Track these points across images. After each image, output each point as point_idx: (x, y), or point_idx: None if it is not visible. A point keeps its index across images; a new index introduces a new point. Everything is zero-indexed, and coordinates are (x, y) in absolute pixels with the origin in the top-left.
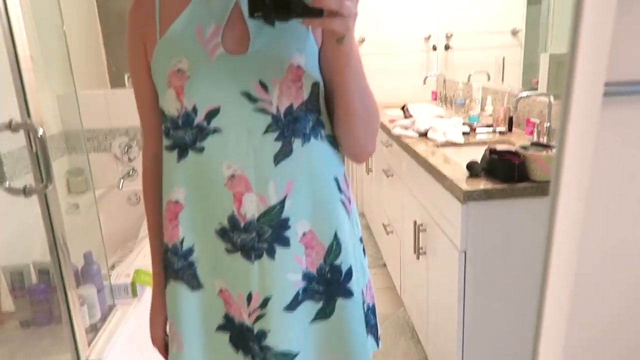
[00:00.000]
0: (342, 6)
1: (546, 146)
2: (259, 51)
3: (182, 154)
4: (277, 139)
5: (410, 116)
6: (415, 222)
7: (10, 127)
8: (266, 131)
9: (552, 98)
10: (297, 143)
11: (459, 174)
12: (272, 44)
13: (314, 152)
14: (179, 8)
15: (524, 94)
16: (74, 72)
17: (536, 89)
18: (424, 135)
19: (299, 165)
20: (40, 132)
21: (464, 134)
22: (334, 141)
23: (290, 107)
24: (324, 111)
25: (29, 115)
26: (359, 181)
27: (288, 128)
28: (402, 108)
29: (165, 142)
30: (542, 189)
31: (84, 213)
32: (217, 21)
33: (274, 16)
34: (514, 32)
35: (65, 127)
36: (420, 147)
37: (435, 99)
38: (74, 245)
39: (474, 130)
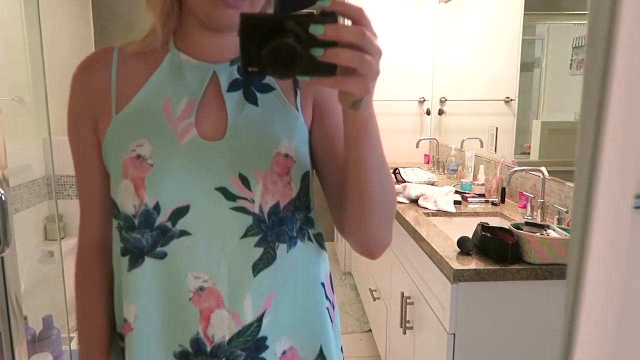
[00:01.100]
0: (362, 62)
1: (540, 226)
2: (238, 136)
3: (134, 262)
4: (257, 244)
5: (402, 181)
6: (402, 294)
7: None
8: (245, 235)
9: (545, 172)
10: (281, 249)
11: (449, 250)
12: (255, 127)
13: (300, 257)
14: (143, 76)
15: (517, 168)
16: (63, 117)
17: (528, 153)
18: (414, 201)
19: (283, 274)
20: (2, 193)
21: (455, 203)
22: (321, 239)
23: (276, 206)
24: (314, 206)
25: None
26: None
27: (272, 231)
28: (394, 172)
29: (116, 243)
30: (537, 272)
31: (58, 261)
32: (191, 95)
33: (272, 72)
34: (507, 101)
35: (48, 172)
36: (411, 215)
37: (428, 163)
38: (40, 298)
39: (466, 199)
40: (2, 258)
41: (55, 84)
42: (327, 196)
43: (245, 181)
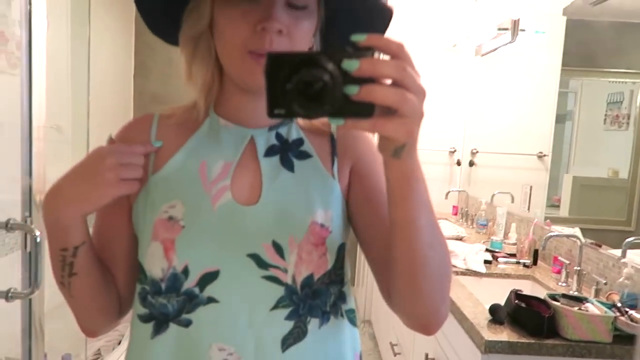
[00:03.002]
0: (404, 100)
1: (578, 299)
2: (273, 202)
3: (159, 328)
4: (288, 317)
5: None
6: (427, 355)
7: (7, 227)
8: (276, 306)
9: (581, 237)
10: (313, 324)
11: (480, 317)
12: (290, 193)
13: (332, 335)
14: (181, 140)
15: (553, 233)
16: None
17: (558, 206)
18: None
19: (314, 352)
20: (37, 234)
21: (485, 262)
22: (353, 316)
23: (310, 277)
24: (347, 280)
25: (30, 213)
26: (369, 284)
27: (304, 304)
28: None
29: (139, 309)
30: (574, 349)
31: None
32: (227, 158)
33: (300, 111)
34: (540, 156)
35: None
36: None
37: (456, 214)
38: (58, 326)
39: (496, 259)
40: (30, 300)
41: (96, 115)
42: (373, 266)
43: (278, 249)
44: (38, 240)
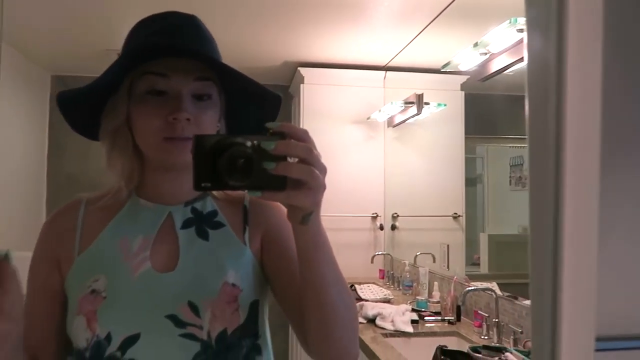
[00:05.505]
0: (312, 175)
1: (498, 349)
2: (188, 268)
3: None
4: None
5: (359, 299)
6: None
7: None
8: None
9: (498, 290)
10: None
11: None
12: (203, 259)
13: None
14: (104, 223)
15: (470, 287)
16: (8, 229)
17: (478, 264)
18: (372, 321)
19: None
20: None
21: (413, 322)
22: None
23: (224, 332)
24: (262, 333)
25: None
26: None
27: (218, 357)
28: (350, 288)
29: None
30: None
31: None
32: (146, 233)
33: (227, 183)
34: (455, 217)
35: None
36: (368, 336)
37: (383, 277)
38: None
39: (423, 318)
40: None
41: (4, 196)
42: (290, 317)
43: (194, 308)
44: None
